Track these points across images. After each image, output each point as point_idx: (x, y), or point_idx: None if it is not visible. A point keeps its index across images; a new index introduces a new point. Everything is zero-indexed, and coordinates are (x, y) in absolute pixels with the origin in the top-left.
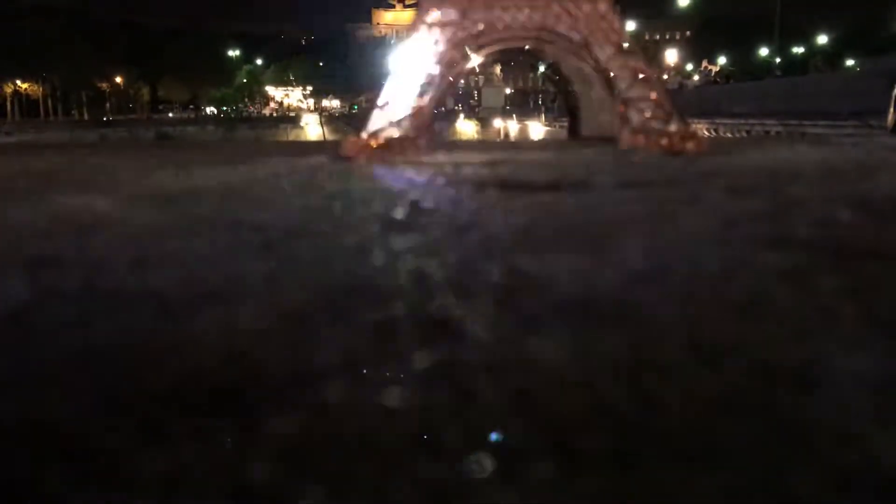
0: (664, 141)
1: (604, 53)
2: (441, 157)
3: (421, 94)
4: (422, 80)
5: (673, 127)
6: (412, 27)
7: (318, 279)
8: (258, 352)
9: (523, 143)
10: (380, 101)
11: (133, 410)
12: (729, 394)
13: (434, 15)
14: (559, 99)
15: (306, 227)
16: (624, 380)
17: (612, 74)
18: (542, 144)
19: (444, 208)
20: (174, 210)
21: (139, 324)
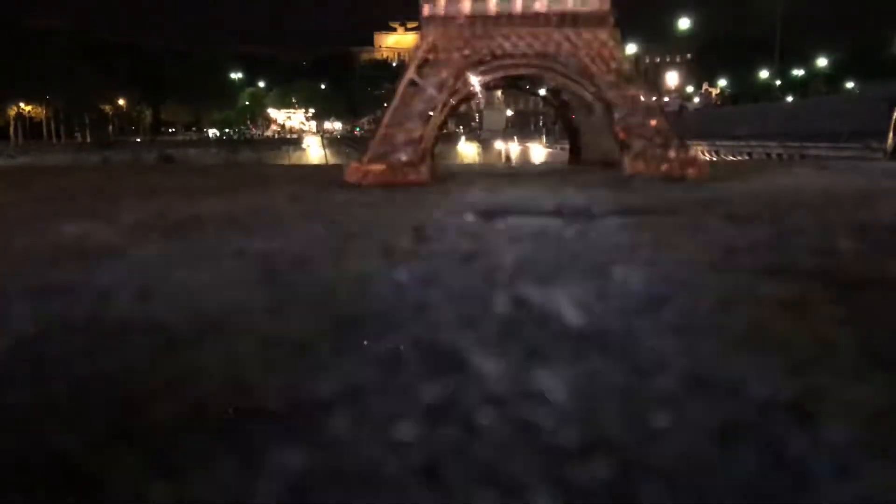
0: (665, 167)
1: (604, 81)
2: (443, 182)
3: (423, 121)
4: (423, 106)
5: (673, 153)
6: (414, 53)
7: (323, 309)
8: (262, 383)
9: (524, 169)
10: (381, 128)
11: (136, 441)
12: (728, 427)
13: (435, 41)
14: (560, 124)
15: (310, 257)
16: (625, 413)
17: (612, 102)
18: (543, 170)
19: (447, 236)
20: (179, 239)
21: (144, 354)
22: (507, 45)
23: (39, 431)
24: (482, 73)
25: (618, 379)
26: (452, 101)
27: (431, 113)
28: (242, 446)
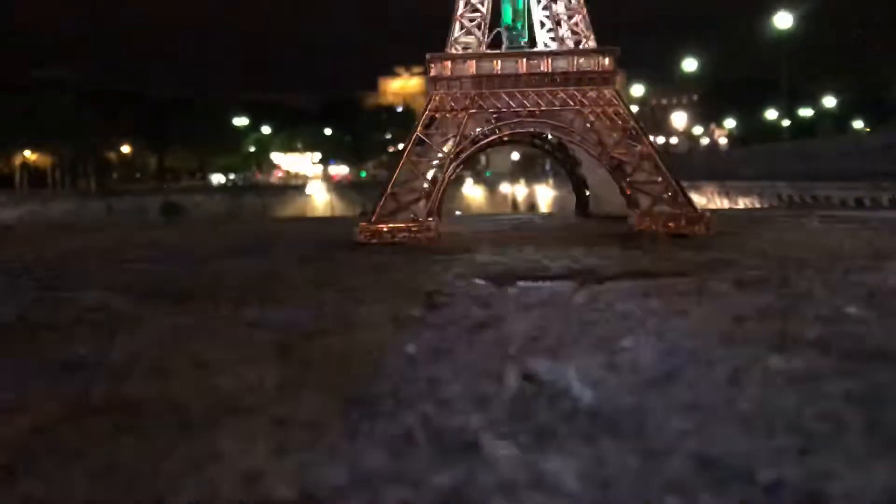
0: (672, 224)
1: (610, 139)
2: (450, 238)
3: (430, 180)
4: (430, 165)
5: (680, 210)
6: (420, 111)
7: (334, 386)
8: (275, 469)
9: (532, 221)
10: (388, 187)
11: None
12: None
13: (441, 100)
14: (568, 178)
15: (322, 328)
16: (635, 499)
17: (618, 159)
18: (550, 223)
19: (456, 303)
20: (193, 310)
21: (161, 440)
22: (512, 104)
23: None
24: (488, 132)
25: (628, 462)
26: (458, 160)
27: (439, 171)
28: None
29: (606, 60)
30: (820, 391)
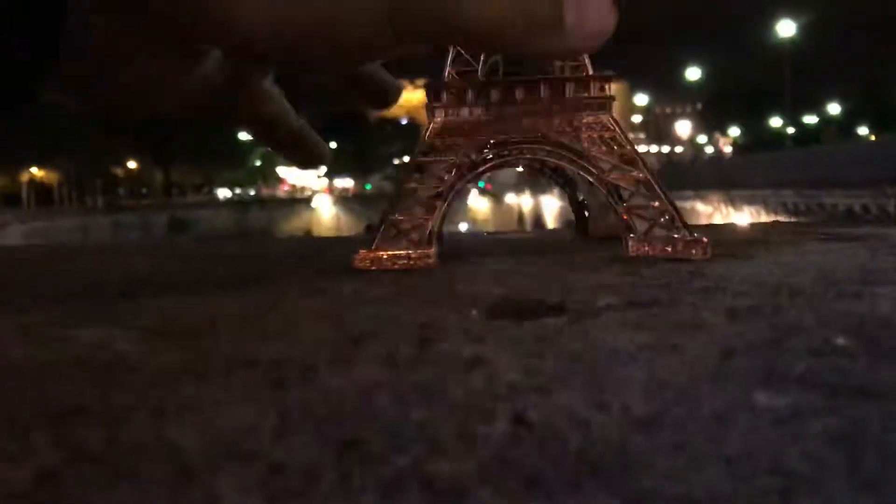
0: (670, 249)
1: (607, 163)
2: (451, 262)
3: (430, 206)
4: (430, 191)
5: (678, 234)
6: (420, 138)
7: (329, 428)
8: None
9: (534, 240)
10: (388, 214)
11: None
12: None
13: (441, 128)
14: (566, 200)
15: (318, 365)
16: None
17: (615, 184)
18: (551, 243)
19: (450, 339)
20: (192, 348)
21: (161, 487)
22: (509, 130)
23: None
24: (486, 158)
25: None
26: (458, 187)
27: (439, 199)
28: None
29: (602, 86)
30: (804, 430)
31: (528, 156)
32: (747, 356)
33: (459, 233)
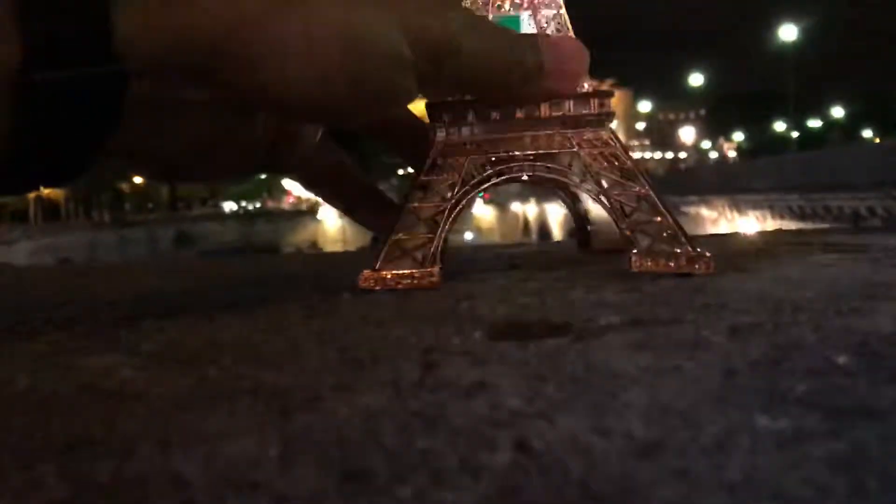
0: (672, 263)
1: (608, 179)
2: (454, 278)
3: (433, 225)
4: (433, 210)
5: (680, 249)
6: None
7: (332, 457)
8: None
9: (538, 254)
10: (392, 233)
11: None
12: None
13: (443, 146)
14: (569, 213)
15: (321, 392)
16: None
17: (616, 199)
18: (554, 260)
19: (452, 363)
20: (196, 375)
21: None
22: (511, 148)
23: None
24: (488, 176)
25: None
26: (461, 204)
27: (441, 220)
28: None
29: (603, 102)
30: (805, 454)
31: (530, 173)
32: (749, 376)
33: (465, 244)
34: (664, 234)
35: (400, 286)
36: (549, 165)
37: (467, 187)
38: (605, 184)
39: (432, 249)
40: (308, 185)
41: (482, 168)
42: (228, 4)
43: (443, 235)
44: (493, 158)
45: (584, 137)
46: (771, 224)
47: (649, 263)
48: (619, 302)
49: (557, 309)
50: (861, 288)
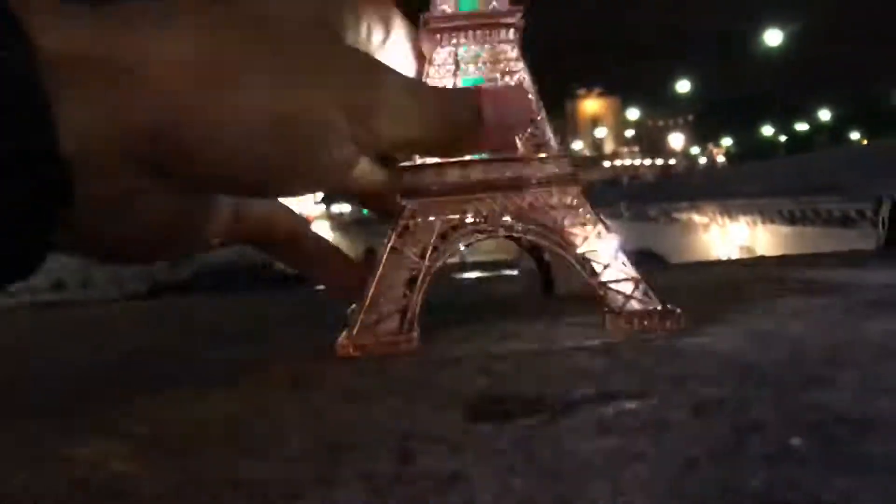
0: (647, 322)
1: (578, 238)
2: (431, 334)
3: (408, 289)
4: (407, 273)
5: (653, 307)
6: (395, 220)
7: None
8: None
9: (514, 298)
10: (366, 298)
11: None
12: None
13: (415, 209)
14: (535, 264)
15: (300, 487)
16: None
17: (585, 258)
18: (530, 307)
19: (430, 450)
20: (180, 465)
21: None
22: (482, 209)
23: None
24: (460, 238)
25: None
26: (435, 265)
27: (413, 286)
28: None
29: (567, 163)
30: None
31: (504, 232)
32: (708, 465)
33: (457, 260)
34: (637, 293)
35: (378, 353)
36: (517, 226)
37: (441, 249)
38: (576, 243)
39: (409, 316)
40: (264, 250)
41: (454, 230)
42: (164, 94)
43: (419, 301)
44: (465, 220)
45: (554, 197)
46: (761, 229)
47: (622, 323)
48: (591, 370)
49: (532, 380)
50: (828, 350)
